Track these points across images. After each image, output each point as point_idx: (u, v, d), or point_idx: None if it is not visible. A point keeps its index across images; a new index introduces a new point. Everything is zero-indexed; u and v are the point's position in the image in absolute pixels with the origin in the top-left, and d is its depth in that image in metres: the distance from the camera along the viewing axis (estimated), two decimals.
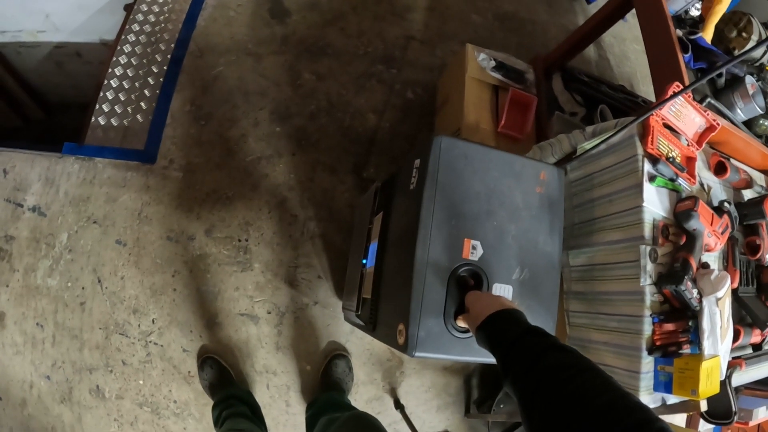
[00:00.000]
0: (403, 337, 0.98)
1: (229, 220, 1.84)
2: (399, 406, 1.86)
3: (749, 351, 1.34)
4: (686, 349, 1.11)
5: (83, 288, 1.76)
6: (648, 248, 1.16)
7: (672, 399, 1.13)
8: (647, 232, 1.17)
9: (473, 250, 1.06)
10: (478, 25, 2.39)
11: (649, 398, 1.12)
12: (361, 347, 1.88)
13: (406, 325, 0.98)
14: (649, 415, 0.49)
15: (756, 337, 1.29)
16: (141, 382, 1.73)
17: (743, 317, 1.32)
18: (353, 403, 1.75)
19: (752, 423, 1.65)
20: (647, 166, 1.21)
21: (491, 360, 1.05)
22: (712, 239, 1.23)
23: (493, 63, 1.79)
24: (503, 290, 1.07)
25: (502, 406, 1.86)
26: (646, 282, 1.14)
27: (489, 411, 1.85)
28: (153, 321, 1.76)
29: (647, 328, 1.13)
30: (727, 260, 1.34)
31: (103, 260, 1.78)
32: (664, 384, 1.10)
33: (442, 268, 1.02)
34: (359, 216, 1.70)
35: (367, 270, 1.36)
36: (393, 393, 1.90)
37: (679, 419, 2.21)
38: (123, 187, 1.83)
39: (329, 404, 1.63)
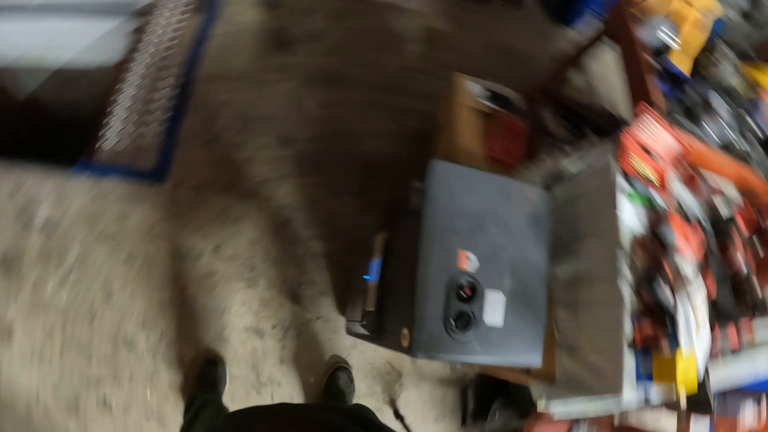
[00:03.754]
0: (407, 341, 1.08)
1: (236, 238, 1.93)
2: (399, 416, 1.93)
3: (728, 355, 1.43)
4: (665, 347, 1.21)
5: (93, 302, 1.83)
6: (626, 256, 1.27)
7: (654, 395, 1.22)
8: (625, 242, 1.28)
9: (469, 262, 1.16)
10: (474, 57, 2.53)
11: (633, 394, 1.21)
12: (363, 361, 1.96)
13: (410, 330, 1.07)
14: None
15: (733, 338, 1.39)
16: (148, 393, 1.79)
17: (721, 325, 1.42)
18: None
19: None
20: (623, 183, 1.33)
21: (485, 360, 1.15)
22: (687, 250, 1.34)
23: (486, 92, 1.92)
24: (496, 298, 1.17)
25: (497, 416, 1.93)
26: (625, 286, 1.25)
27: (478, 422, 1.92)
28: (161, 334, 1.83)
29: (627, 328, 1.23)
30: (704, 271, 1.45)
31: (112, 275, 1.85)
32: (646, 376, 1.19)
33: (442, 279, 1.12)
34: (368, 235, 1.80)
35: (371, 284, 1.45)
36: (392, 404, 1.97)
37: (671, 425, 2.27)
38: (134, 204, 1.91)
39: None
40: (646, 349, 1.22)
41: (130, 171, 1.95)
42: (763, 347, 1.50)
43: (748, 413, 1.73)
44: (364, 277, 1.60)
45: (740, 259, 1.45)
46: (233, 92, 2.08)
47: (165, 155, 1.97)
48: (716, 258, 1.49)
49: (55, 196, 1.91)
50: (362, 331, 1.52)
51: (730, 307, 1.44)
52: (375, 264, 1.46)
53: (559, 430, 1.74)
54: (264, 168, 2.02)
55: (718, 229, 1.48)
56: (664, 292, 1.21)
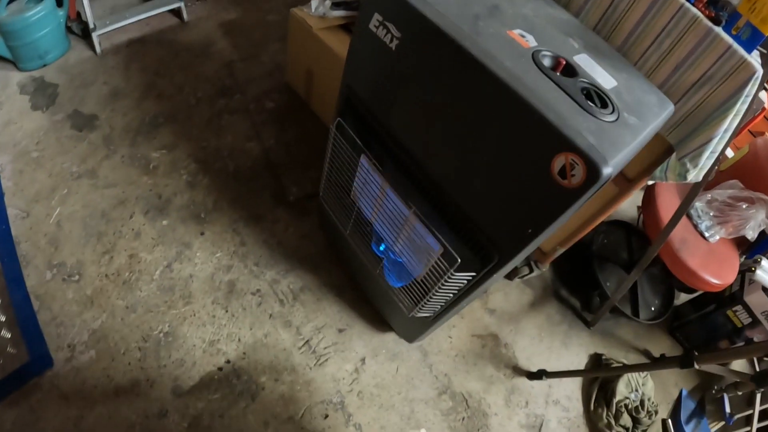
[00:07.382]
0: (582, 171, 0.64)
1: (189, 357, 1.29)
2: (535, 376, 1.44)
3: None
4: None
5: None
6: None
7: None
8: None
9: (526, 38, 0.78)
10: (276, 23, 2.17)
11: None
12: (448, 358, 1.46)
13: (576, 151, 0.63)
14: None
15: None
16: None
17: None
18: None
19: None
20: None
21: (647, 132, 0.76)
22: None
23: (328, 3, 1.59)
24: (586, 60, 0.80)
25: (608, 284, 1.57)
26: None
27: (602, 304, 1.54)
28: None
29: None
30: None
31: None
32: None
33: (525, 70, 0.71)
34: (337, 216, 1.30)
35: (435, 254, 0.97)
36: (518, 371, 1.48)
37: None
38: (37, 419, 1.17)
39: None
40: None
41: (7, 382, 1.21)
42: None
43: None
44: (379, 251, 1.13)
45: None
46: (63, 204, 1.44)
47: (31, 335, 1.27)
48: None
49: None
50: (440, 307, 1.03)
51: None
52: (378, 235, 1.00)
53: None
54: (156, 254, 1.41)
55: None
56: None
